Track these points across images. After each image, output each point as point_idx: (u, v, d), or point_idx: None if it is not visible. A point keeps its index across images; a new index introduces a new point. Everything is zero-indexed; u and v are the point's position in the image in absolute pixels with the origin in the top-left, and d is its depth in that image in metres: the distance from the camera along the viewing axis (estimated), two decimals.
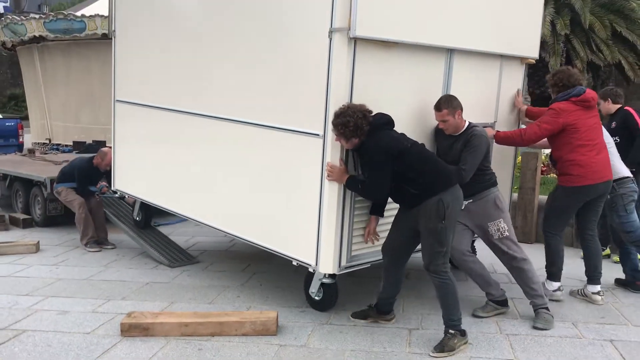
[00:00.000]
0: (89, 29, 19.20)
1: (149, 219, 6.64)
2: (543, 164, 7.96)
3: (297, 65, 4.28)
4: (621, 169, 4.93)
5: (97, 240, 6.77)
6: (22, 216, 8.19)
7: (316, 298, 4.56)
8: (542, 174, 7.80)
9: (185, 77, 5.31)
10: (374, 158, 3.86)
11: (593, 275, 4.90)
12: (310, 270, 4.39)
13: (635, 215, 4.98)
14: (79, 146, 14.24)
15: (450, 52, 4.60)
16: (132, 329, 4.17)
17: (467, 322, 4.20)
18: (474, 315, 4.51)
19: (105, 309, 4.77)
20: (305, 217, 4.28)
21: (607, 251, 6.13)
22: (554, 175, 6.91)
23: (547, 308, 4.38)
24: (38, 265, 6.09)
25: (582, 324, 4.44)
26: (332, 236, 4.17)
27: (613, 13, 17.89)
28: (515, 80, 5.28)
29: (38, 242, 6.81)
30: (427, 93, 4.48)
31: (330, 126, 3.96)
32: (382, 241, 4.32)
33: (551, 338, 4.16)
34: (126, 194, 6.40)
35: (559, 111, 4.56)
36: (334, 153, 4.09)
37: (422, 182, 3.83)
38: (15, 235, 7.57)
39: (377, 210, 4.31)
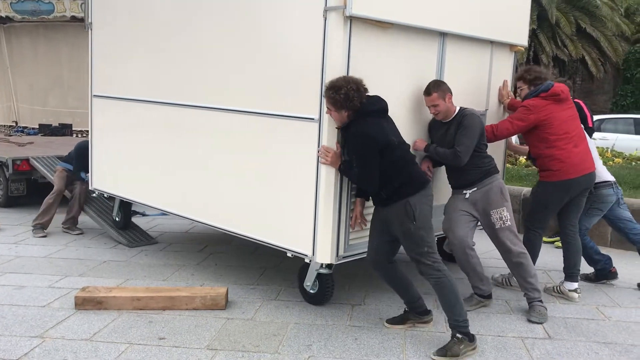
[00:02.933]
0: (57, 11, 18.96)
1: (128, 219, 6.45)
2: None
3: (290, 47, 4.18)
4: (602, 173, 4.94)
5: (43, 225, 6.64)
6: None
7: (311, 291, 4.44)
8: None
9: (170, 67, 5.16)
10: (360, 146, 3.73)
11: (571, 273, 4.81)
12: (307, 260, 4.27)
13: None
14: (44, 129, 14.17)
15: (443, 36, 4.56)
16: (86, 303, 4.33)
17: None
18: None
19: (62, 284, 4.91)
20: (300, 206, 4.19)
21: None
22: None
23: (541, 301, 4.35)
24: None
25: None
26: (329, 224, 4.08)
27: (578, 10, 18.34)
28: (505, 68, 5.25)
29: None
30: (421, 79, 4.42)
31: (325, 109, 3.90)
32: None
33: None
34: (105, 192, 6.20)
35: (529, 107, 4.52)
36: (330, 138, 3.99)
37: (394, 184, 3.72)
38: None
39: (363, 193, 4.17)
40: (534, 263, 4.64)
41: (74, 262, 5.59)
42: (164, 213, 5.69)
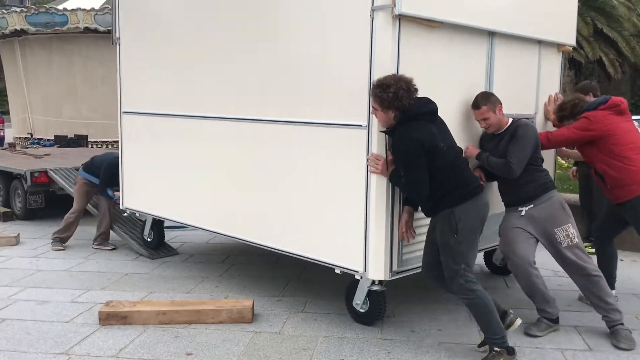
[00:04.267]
0: (71, 22, 19.11)
1: (161, 238, 6.18)
2: None
3: (334, 50, 3.96)
4: None
5: (62, 239, 6.55)
6: (2, 209, 8.19)
7: (361, 310, 4.16)
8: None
9: (204, 80, 4.94)
10: (405, 152, 3.49)
11: (607, 282, 4.30)
12: (357, 277, 4.02)
13: None
14: (60, 140, 14.20)
15: (492, 35, 4.34)
16: (110, 318, 4.24)
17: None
18: (527, 334, 4.04)
19: (84, 299, 4.83)
20: (350, 219, 3.95)
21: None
22: None
23: (622, 323, 3.97)
24: (18, 258, 6.13)
25: None
26: (382, 238, 3.84)
27: (595, 10, 18.12)
28: (553, 68, 5.02)
29: (18, 234, 6.84)
30: (470, 81, 4.25)
31: (371, 109, 3.69)
32: (420, 238, 4.05)
33: None
34: (138, 212, 5.91)
35: (590, 118, 4.20)
36: (380, 145, 3.76)
37: (441, 191, 3.50)
38: None
39: (410, 201, 3.90)
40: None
41: (95, 275, 5.51)
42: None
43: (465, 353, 3.79)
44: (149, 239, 6.13)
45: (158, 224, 6.07)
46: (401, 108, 3.49)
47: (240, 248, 6.35)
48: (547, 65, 4.91)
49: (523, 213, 4.05)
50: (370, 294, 4.09)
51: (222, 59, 4.79)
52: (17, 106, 20.79)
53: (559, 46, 4.97)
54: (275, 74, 4.39)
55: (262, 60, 4.47)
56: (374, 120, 3.74)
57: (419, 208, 3.91)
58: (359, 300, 4.14)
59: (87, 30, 19.26)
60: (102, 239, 6.56)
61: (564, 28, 5.00)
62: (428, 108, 3.59)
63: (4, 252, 6.37)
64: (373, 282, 3.99)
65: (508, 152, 3.97)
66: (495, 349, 3.54)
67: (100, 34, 19.54)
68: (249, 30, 4.56)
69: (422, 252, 3.88)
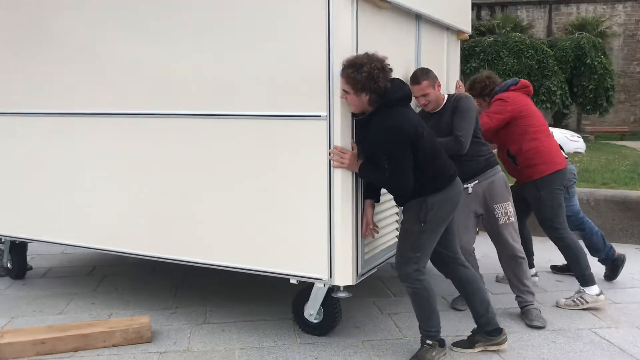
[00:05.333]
0: None
1: (24, 262, 5.11)
2: None
3: (285, 31, 3.46)
4: None
5: None
6: None
7: (314, 321, 3.79)
8: None
9: (103, 70, 4.07)
10: (392, 143, 3.17)
11: (583, 275, 4.36)
12: (319, 285, 3.62)
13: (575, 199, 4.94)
14: None
15: (419, 19, 4.20)
16: None
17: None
18: (454, 308, 4.26)
19: None
20: (310, 221, 3.53)
21: None
22: None
23: (533, 304, 4.07)
24: None
25: None
26: (348, 239, 3.48)
27: None
28: (454, 57, 4.97)
29: None
30: (405, 64, 4.03)
31: (336, 104, 3.34)
32: (384, 235, 3.86)
33: None
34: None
35: (505, 99, 4.26)
36: (343, 137, 3.39)
37: (419, 180, 3.27)
38: None
39: (373, 194, 3.62)
40: (589, 268, 4.35)
41: None
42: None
43: (393, 349, 3.65)
44: (8, 265, 5.06)
45: (19, 247, 5.04)
46: (377, 90, 3.18)
47: (107, 258, 5.64)
48: (452, 52, 4.92)
49: (470, 190, 3.98)
50: (325, 302, 3.72)
51: (138, 46, 3.94)
52: None
53: (459, 33, 5.02)
54: (218, 62, 3.69)
55: (203, 46, 3.72)
56: (336, 110, 3.37)
57: (380, 200, 3.69)
58: (313, 310, 3.74)
59: None
60: None
61: (463, 15, 5.04)
62: (404, 92, 3.31)
63: None
64: (336, 289, 3.61)
65: (454, 126, 3.83)
66: (428, 342, 3.43)
67: None
68: (184, 9, 3.74)
69: (378, 250, 3.66)
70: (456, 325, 4.03)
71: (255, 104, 3.59)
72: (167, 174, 3.93)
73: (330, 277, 3.52)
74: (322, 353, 3.60)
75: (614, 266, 4.99)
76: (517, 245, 4.10)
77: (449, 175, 3.39)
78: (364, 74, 3.12)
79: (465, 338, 3.65)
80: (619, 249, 5.25)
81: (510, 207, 4.08)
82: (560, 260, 5.05)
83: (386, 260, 4.00)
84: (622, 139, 27.36)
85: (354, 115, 3.43)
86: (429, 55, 4.41)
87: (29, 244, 5.00)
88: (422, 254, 3.34)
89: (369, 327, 4.01)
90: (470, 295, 3.54)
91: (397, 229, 4.08)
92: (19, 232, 4.69)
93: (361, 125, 3.38)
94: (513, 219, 4.09)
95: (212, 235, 3.83)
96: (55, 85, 4.29)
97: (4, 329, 3.96)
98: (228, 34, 3.62)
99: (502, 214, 4.05)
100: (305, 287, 3.75)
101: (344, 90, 3.26)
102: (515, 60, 22.91)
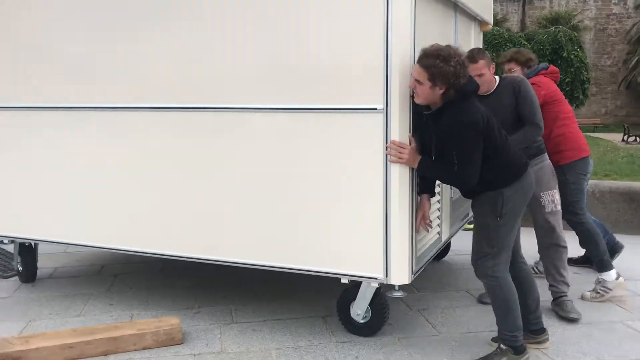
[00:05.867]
0: None
1: (34, 266, 4.84)
2: None
3: (339, 20, 3.30)
4: None
5: None
6: None
7: (361, 321, 3.68)
8: None
9: (116, 61, 3.89)
10: (465, 138, 3.04)
11: (601, 260, 4.38)
12: (374, 284, 3.50)
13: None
14: None
15: (456, 9, 4.10)
16: None
17: None
18: (483, 302, 4.19)
19: None
20: (363, 219, 3.39)
21: None
22: None
23: (567, 295, 4.04)
24: None
25: None
26: (405, 237, 3.36)
27: None
28: (480, 46, 4.87)
29: None
30: None
31: (393, 96, 3.21)
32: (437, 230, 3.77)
33: None
34: (7, 237, 4.56)
35: (538, 84, 4.22)
36: (401, 131, 3.25)
37: (491, 173, 3.15)
38: None
39: (427, 188, 3.50)
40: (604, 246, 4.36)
41: None
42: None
43: (432, 346, 3.59)
44: (19, 268, 4.80)
45: (29, 249, 4.78)
46: (456, 86, 3.03)
47: (114, 257, 5.47)
48: (477, 44, 4.85)
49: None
50: (373, 301, 3.61)
51: (156, 28, 3.76)
52: None
53: (482, 24, 4.95)
54: (258, 51, 3.53)
55: (240, 33, 3.56)
56: (393, 103, 3.23)
57: (436, 193, 3.60)
58: (361, 310, 3.63)
59: None
60: None
61: (488, 6, 4.97)
62: (474, 86, 3.18)
63: None
64: (391, 288, 3.51)
65: (528, 112, 3.79)
66: (502, 346, 3.29)
67: None
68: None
69: (428, 246, 3.56)
70: (487, 319, 3.98)
71: (307, 97, 3.45)
72: (208, 170, 3.76)
73: (386, 276, 3.41)
74: (361, 352, 3.52)
75: (612, 252, 5.01)
76: (562, 234, 4.08)
77: (522, 164, 3.26)
78: (450, 68, 2.99)
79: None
80: (624, 240, 5.26)
81: (556, 195, 4.07)
82: (576, 252, 5.05)
83: (432, 257, 3.93)
84: (594, 131, 27.92)
85: (416, 107, 3.30)
86: (462, 46, 4.32)
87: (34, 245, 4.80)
88: (500, 249, 3.21)
89: (401, 323, 3.94)
90: (525, 291, 3.45)
91: (439, 225, 4.02)
92: (28, 234, 4.47)
93: (428, 118, 3.23)
94: (559, 207, 4.08)
95: (257, 234, 3.68)
96: (67, 79, 4.10)
97: (23, 333, 3.79)
98: (277, 22, 3.47)
99: (549, 202, 4.03)
100: (351, 286, 3.65)
101: (417, 80, 3.09)
102: (493, 54, 23.05)
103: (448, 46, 3.10)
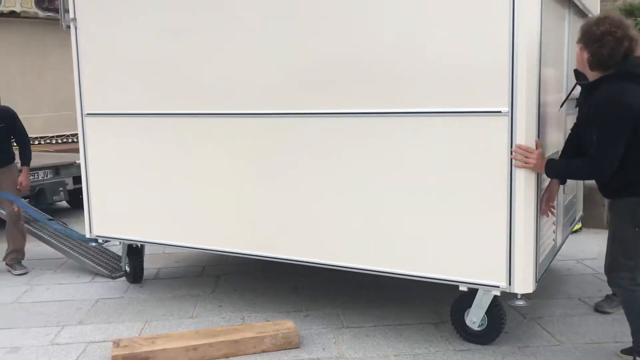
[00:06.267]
0: (4, 5, 16.38)
1: (141, 267, 5.00)
2: None
3: (461, 19, 3.20)
4: None
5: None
6: None
7: (477, 329, 3.58)
8: None
9: (245, 64, 3.89)
10: (610, 113, 2.85)
11: None
12: (495, 293, 3.40)
13: None
14: None
15: (569, 6, 3.98)
16: None
17: None
18: (601, 311, 4.00)
19: (66, 338, 3.85)
20: (486, 226, 3.30)
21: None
22: None
23: None
24: None
25: None
26: (530, 244, 3.25)
27: None
28: None
29: None
30: (559, 53, 3.82)
31: (519, 99, 3.09)
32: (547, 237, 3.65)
33: None
34: (117, 239, 4.69)
35: None
36: (528, 135, 3.13)
37: (631, 172, 2.94)
38: None
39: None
40: None
41: (58, 305, 4.48)
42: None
43: (555, 356, 3.47)
44: (127, 268, 4.95)
45: (136, 250, 4.93)
46: (597, 55, 2.90)
47: (212, 258, 5.58)
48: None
49: None
50: (490, 310, 3.52)
51: (271, 36, 3.77)
52: None
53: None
54: (376, 55, 3.47)
55: (347, 39, 3.54)
56: (519, 105, 3.11)
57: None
58: (476, 318, 3.55)
59: (24, 15, 16.65)
60: (15, 258, 5.40)
61: (595, 0, 4.78)
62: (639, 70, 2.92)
63: None
64: (518, 296, 3.38)
65: None
66: (638, 358, 3.15)
67: (40, 20, 17.07)
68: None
69: (547, 251, 3.45)
70: (608, 329, 3.83)
71: (427, 101, 3.39)
72: (325, 176, 3.76)
73: (509, 284, 3.32)
74: None
75: None
76: None
77: None
78: (598, 31, 2.86)
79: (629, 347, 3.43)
80: None
81: None
82: None
83: (549, 264, 3.82)
84: None
85: (578, 78, 3.18)
86: (572, 44, 4.18)
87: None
88: (638, 261, 3.06)
89: (517, 332, 3.83)
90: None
91: (554, 231, 3.90)
92: (136, 236, 4.61)
93: (582, 93, 3.10)
94: None
95: (376, 240, 3.65)
96: (181, 85, 4.20)
97: (143, 334, 3.90)
98: (395, 21, 3.41)
99: None
100: (465, 293, 3.58)
101: (584, 45, 3.00)
102: None
103: (620, 17, 2.94)
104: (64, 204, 8.49)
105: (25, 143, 5.50)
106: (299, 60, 3.71)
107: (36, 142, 16.05)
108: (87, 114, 4.61)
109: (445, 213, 3.43)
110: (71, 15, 4.56)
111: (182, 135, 4.24)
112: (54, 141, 16.78)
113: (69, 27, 4.60)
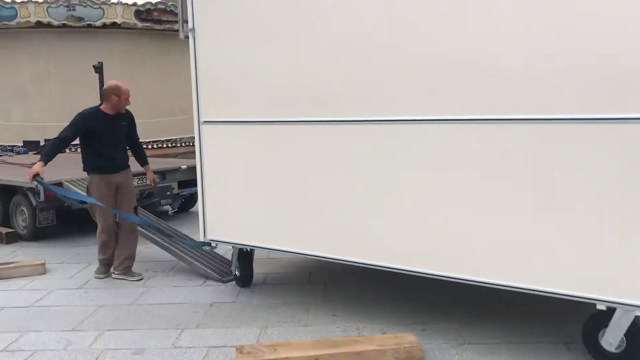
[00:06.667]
0: (20, 16, 17.52)
1: (251, 271, 5.04)
2: None
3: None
4: None
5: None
6: (4, 230, 6.98)
7: (614, 351, 3.35)
8: None
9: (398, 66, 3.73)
10: None
11: None
12: (637, 313, 3.20)
13: None
14: (32, 146, 12.78)
15: None
16: None
17: None
18: None
19: (187, 341, 3.91)
20: (633, 240, 3.10)
21: None
22: None
23: None
24: (60, 290, 5.08)
25: None
26: None
27: None
28: None
29: (44, 261, 5.75)
30: None
31: None
32: None
33: None
34: (230, 243, 4.77)
35: None
36: None
37: None
38: (0, 253, 6.41)
39: None
40: None
41: (175, 308, 4.57)
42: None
43: None
44: (237, 273, 5.00)
45: (247, 254, 4.96)
46: None
47: (317, 264, 5.54)
48: None
49: None
50: (631, 331, 3.27)
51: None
52: None
53: None
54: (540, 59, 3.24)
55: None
56: None
57: None
58: (613, 339, 3.32)
59: (39, 24, 17.72)
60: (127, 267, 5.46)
61: None
62: None
63: (36, 283, 5.30)
64: None
65: None
66: None
67: (54, 29, 18.07)
68: None
69: None
70: None
71: (592, 106, 3.17)
72: (459, 187, 3.62)
73: None
74: None
75: None
76: None
77: None
78: None
79: None
80: None
81: None
82: None
83: None
84: None
85: None
86: None
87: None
88: None
89: None
90: None
91: None
92: (251, 241, 4.64)
93: None
94: None
95: (503, 253, 3.49)
96: (302, 93, 4.18)
97: (261, 340, 3.90)
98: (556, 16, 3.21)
99: None
100: (599, 312, 3.34)
101: None
102: None
103: None
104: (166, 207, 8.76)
105: (140, 143, 5.72)
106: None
107: None
108: (204, 121, 4.68)
109: (594, 228, 3.20)
110: (190, 25, 4.65)
111: (297, 141, 4.23)
112: (149, 146, 17.49)
113: (187, 37, 4.69)
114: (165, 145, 18.09)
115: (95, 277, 5.39)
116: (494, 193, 3.49)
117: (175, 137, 18.63)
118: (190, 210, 8.48)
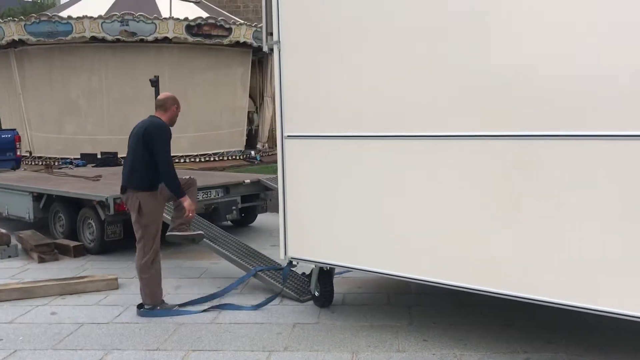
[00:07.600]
0: (75, 31, 17.88)
1: (331, 291, 4.89)
2: None
3: None
4: None
5: None
6: (72, 243, 6.97)
7: None
8: None
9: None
10: None
11: None
12: None
13: None
14: (89, 158, 12.94)
15: None
16: None
17: None
18: None
19: None
20: None
21: None
22: None
23: None
24: (136, 307, 4.98)
25: None
26: None
27: None
28: None
29: (117, 276, 5.69)
30: None
31: None
32: None
33: None
34: (312, 262, 4.65)
35: None
36: None
37: None
38: (70, 267, 6.40)
39: None
40: None
41: (257, 328, 4.42)
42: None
43: None
44: (316, 293, 4.85)
45: (327, 274, 4.83)
46: None
47: (392, 283, 5.33)
48: None
49: None
50: None
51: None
52: (12, 122, 19.35)
53: None
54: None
55: None
56: None
57: None
58: None
59: (93, 39, 18.06)
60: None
61: None
62: None
63: (111, 298, 5.23)
64: None
65: None
66: None
67: (107, 44, 18.38)
68: None
69: None
70: None
71: None
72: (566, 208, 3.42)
73: None
74: None
75: None
76: None
77: None
78: None
79: None
80: None
81: None
82: None
83: None
84: None
85: None
86: None
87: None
88: None
89: None
90: None
91: None
92: (334, 259, 4.47)
93: None
94: None
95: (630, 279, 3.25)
96: (391, 108, 4.02)
97: None
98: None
99: None
100: None
101: None
102: None
103: None
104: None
105: None
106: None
107: (182, 161, 16.88)
108: (287, 135, 4.56)
109: None
110: (275, 38, 4.54)
111: (384, 157, 4.07)
112: (197, 160, 17.59)
113: (271, 50, 4.59)
114: (212, 159, 18.17)
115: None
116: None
117: (222, 151, 18.70)
118: (250, 225, 8.39)
